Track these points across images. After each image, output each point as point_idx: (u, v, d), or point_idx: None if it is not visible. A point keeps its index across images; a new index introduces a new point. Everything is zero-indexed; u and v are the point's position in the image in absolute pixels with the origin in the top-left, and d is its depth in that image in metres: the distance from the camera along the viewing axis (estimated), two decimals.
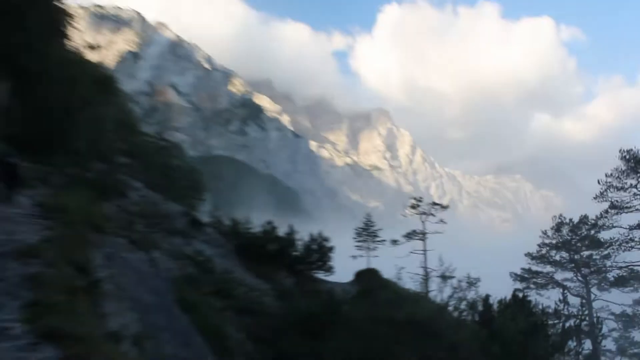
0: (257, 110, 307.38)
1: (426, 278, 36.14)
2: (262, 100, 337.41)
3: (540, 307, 35.86)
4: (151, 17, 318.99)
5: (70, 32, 36.87)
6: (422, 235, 37.01)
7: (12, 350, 8.11)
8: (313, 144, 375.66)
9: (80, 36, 40.86)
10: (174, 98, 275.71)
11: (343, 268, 37.96)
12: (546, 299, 41.76)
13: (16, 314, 9.83)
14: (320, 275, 35.78)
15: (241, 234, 34.93)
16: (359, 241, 39.98)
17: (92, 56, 47.63)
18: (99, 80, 42.17)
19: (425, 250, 36.92)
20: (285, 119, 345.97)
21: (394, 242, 38.69)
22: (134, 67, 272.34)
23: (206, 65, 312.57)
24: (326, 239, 35.10)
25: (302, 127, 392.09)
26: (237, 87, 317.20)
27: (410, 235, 37.51)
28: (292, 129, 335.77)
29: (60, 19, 34.20)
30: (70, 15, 36.29)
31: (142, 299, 23.73)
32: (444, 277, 35.61)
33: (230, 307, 29.35)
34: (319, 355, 27.47)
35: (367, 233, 39.62)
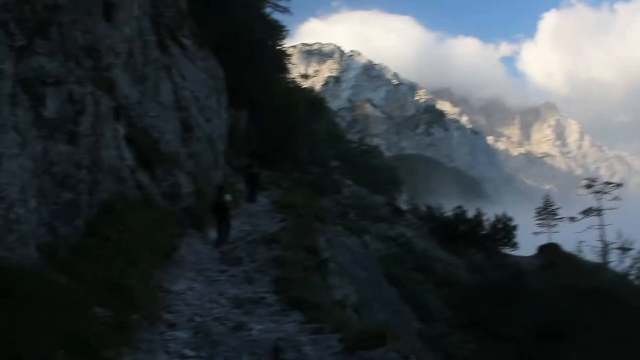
0: (440, 114, 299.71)
1: (605, 250, 33.00)
2: (443, 105, 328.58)
3: None
4: (347, 47, 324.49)
5: (288, 67, 38.83)
6: (598, 211, 33.82)
7: (268, 315, 8.71)
8: (490, 139, 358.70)
9: (295, 69, 42.90)
10: (370, 110, 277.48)
11: (525, 244, 35.99)
12: None
13: (267, 287, 10.54)
14: (506, 250, 34.26)
15: (436, 218, 34.46)
16: (539, 219, 37.54)
17: (304, 84, 49.89)
18: (312, 102, 43.89)
19: (602, 225, 33.78)
20: (464, 119, 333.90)
21: (572, 219, 35.81)
22: (336, 89, 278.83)
23: (394, 81, 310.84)
24: (510, 219, 33.47)
25: (479, 125, 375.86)
26: (421, 96, 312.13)
27: (587, 212, 34.42)
28: (470, 127, 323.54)
29: (280, 57, 36.12)
30: (287, 54, 38.31)
31: (357, 274, 24.30)
32: (623, 249, 32.42)
33: (429, 280, 29.08)
34: (507, 320, 26.35)
35: (547, 212, 37.06)
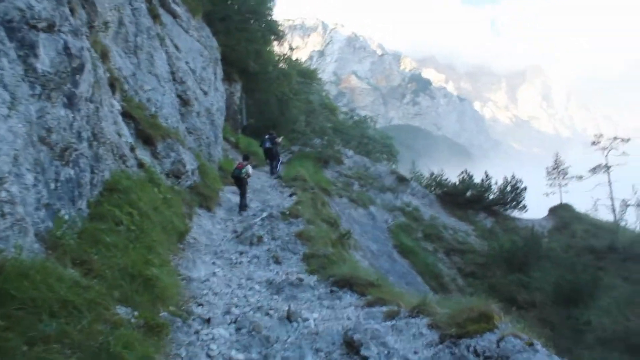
0: (426, 83, 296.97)
1: (622, 209, 31.62)
2: (429, 74, 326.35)
3: None
4: (330, 20, 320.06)
5: (280, 36, 37.34)
6: (606, 168, 32.55)
7: (317, 299, 7.39)
8: (477, 104, 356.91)
9: (283, 42, 41.25)
10: (356, 83, 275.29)
11: (530, 206, 34.86)
12: None
13: (299, 267, 9.29)
14: (516, 213, 33.25)
15: (441, 185, 33.38)
16: (549, 179, 36.16)
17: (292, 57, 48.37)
18: (303, 74, 42.56)
19: (610, 183, 32.57)
20: (450, 86, 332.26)
21: (579, 178, 34.55)
22: (321, 63, 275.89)
23: (379, 52, 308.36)
24: (519, 181, 32.33)
25: (465, 91, 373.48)
26: (406, 65, 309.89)
27: (595, 170, 33.14)
28: (456, 94, 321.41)
29: (271, 27, 34.59)
30: (277, 25, 36.68)
31: (368, 246, 23.38)
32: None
33: (440, 249, 28.28)
34: (524, 284, 25.62)
35: (557, 171, 35.73)
